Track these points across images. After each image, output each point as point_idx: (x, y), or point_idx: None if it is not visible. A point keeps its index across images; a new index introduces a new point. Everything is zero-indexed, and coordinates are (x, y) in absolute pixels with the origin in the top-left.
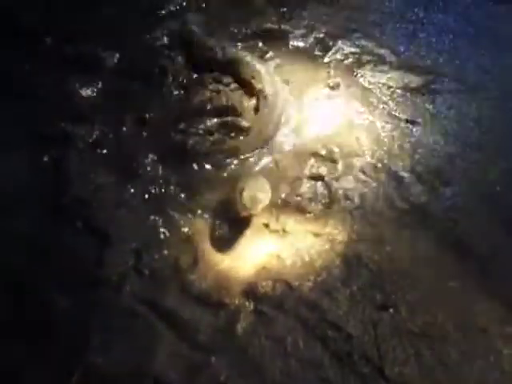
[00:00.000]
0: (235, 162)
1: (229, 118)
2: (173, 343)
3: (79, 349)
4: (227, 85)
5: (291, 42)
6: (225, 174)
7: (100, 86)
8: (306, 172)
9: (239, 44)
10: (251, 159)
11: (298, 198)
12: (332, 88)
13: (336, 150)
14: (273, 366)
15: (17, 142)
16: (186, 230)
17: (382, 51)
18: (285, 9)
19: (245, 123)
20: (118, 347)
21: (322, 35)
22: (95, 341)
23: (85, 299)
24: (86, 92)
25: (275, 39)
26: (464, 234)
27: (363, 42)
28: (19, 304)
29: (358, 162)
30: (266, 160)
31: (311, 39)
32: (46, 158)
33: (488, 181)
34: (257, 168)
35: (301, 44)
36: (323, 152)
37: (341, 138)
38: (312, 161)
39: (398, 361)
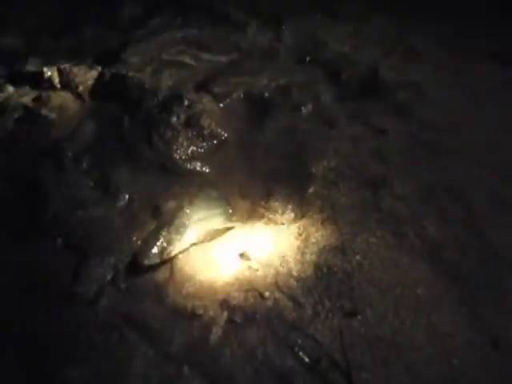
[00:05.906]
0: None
1: None
2: (147, 355)
3: (56, 363)
4: None
5: None
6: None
7: None
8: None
9: None
10: None
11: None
12: None
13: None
14: (244, 375)
15: None
16: (162, 244)
17: None
18: None
19: None
20: (94, 360)
21: None
22: (72, 354)
23: (62, 314)
24: None
25: None
26: (434, 240)
27: None
28: None
29: (332, 174)
30: None
31: None
32: (25, 177)
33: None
34: None
35: None
36: None
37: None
38: None
39: (364, 367)
